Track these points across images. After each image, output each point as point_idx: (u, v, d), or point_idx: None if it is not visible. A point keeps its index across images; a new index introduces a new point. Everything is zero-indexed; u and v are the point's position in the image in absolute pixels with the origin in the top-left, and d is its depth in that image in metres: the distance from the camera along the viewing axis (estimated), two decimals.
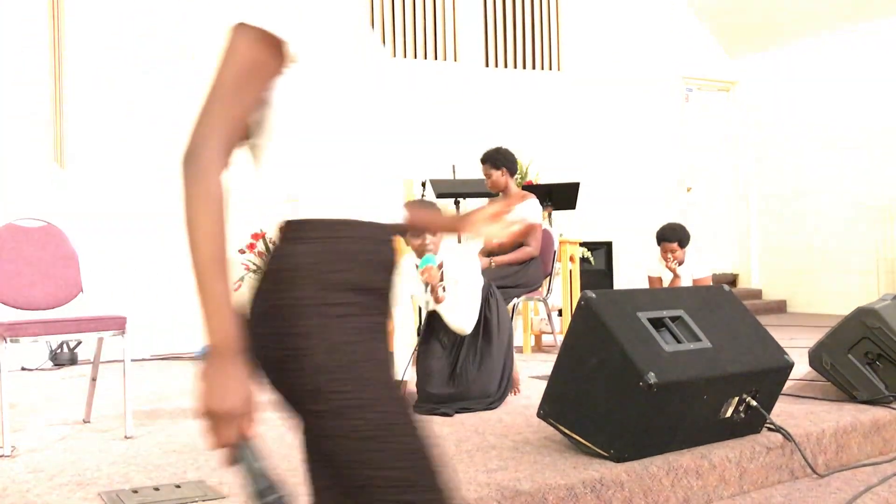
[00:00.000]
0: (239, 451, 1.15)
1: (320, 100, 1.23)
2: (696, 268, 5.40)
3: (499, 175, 5.12)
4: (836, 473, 3.01)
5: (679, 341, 2.81)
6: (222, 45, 1.21)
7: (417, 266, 3.67)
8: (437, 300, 3.68)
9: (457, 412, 3.55)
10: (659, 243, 5.35)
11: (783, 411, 3.33)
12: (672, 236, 5.26)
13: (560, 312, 6.15)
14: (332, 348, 1.19)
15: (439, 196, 6.46)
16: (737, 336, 2.97)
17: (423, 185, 6.49)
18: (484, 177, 5.19)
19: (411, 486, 1.20)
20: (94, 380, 3.52)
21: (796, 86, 9.02)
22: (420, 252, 3.71)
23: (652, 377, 2.55)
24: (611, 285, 7.63)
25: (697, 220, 8.86)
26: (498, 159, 5.11)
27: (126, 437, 3.18)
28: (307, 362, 1.18)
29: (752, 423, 2.96)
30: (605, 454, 2.66)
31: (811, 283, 8.87)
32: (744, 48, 9.51)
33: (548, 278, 5.41)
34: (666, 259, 5.29)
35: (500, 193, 5.25)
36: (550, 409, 2.87)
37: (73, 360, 5.69)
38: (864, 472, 3.03)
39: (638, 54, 8.87)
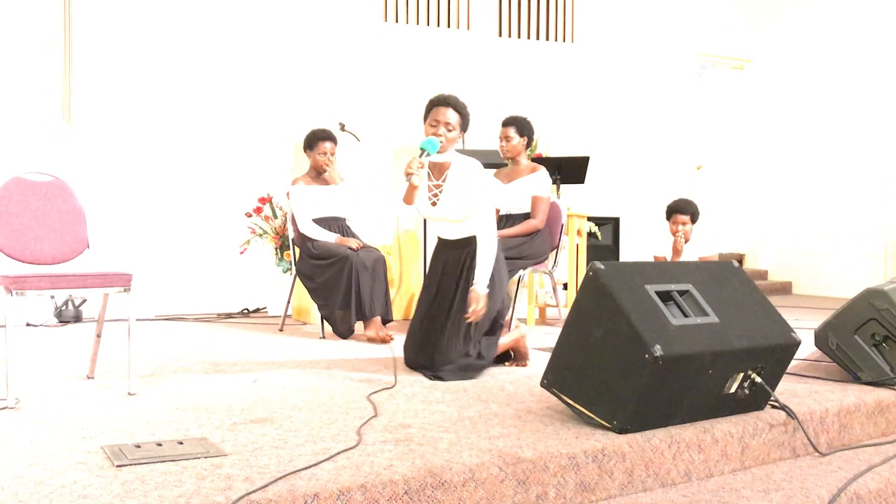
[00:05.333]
0: None
1: None
2: (702, 246, 5.37)
3: (520, 142, 5.07)
4: (838, 453, 3.01)
5: (686, 315, 2.79)
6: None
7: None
8: (406, 175, 3.48)
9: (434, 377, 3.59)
10: (670, 215, 5.31)
11: (787, 390, 3.32)
12: (686, 209, 5.24)
13: (565, 286, 6.14)
14: None
15: None
16: (744, 312, 2.95)
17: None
18: (501, 139, 5.09)
19: None
20: (98, 336, 3.53)
21: (811, 66, 8.93)
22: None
23: (658, 350, 2.54)
24: (616, 261, 7.62)
25: (706, 198, 8.82)
26: (525, 126, 5.07)
27: (129, 393, 3.18)
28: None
29: (756, 399, 2.96)
30: (608, 425, 2.66)
31: (818, 265, 8.85)
32: (759, 26, 9.40)
33: (554, 251, 5.39)
34: (675, 233, 5.25)
35: (510, 162, 5.22)
36: (554, 378, 2.87)
37: (77, 318, 5.71)
38: (866, 452, 3.03)
39: (652, 29, 8.77)
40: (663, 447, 2.61)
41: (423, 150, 3.51)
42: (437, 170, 3.72)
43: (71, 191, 3.53)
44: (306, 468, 2.18)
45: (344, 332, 4.86)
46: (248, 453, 2.34)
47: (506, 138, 5.08)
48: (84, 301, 5.76)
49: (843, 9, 8.62)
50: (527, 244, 5.06)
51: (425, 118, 3.66)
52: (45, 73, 6.07)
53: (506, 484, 2.28)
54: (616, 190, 8.26)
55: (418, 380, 3.56)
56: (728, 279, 3.09)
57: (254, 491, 1.99)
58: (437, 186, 3.69)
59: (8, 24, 5.95)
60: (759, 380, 2.86)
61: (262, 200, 6.28)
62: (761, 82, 9.47)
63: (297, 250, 5.21)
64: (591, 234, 6.41)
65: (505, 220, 5.22)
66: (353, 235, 5.15)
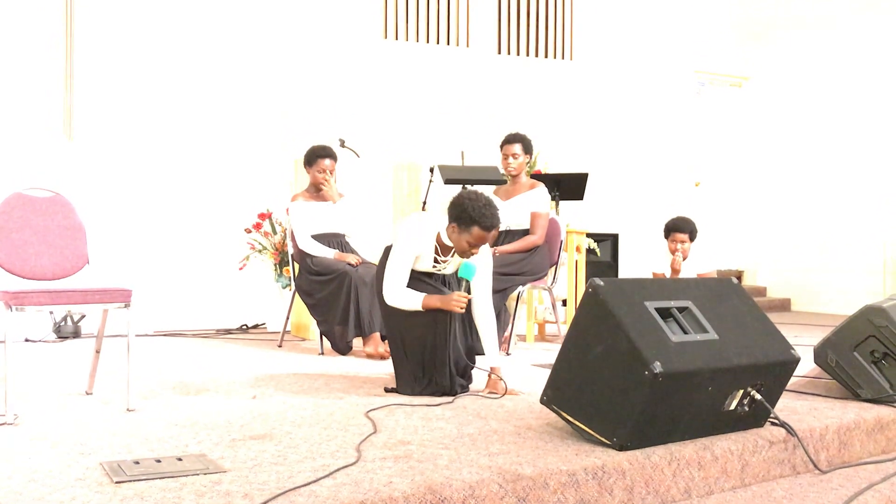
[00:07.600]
0: None
1: None
2: (700, 263, 5.37)
3: (525, 159, 5.16)
4: (838, 470, 3.00)
5: (686, 332, 2.79)
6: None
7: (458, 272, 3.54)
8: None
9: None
10: (668, 234, 5.31)
11: (786, 407, 3.32)
12: (684, 227, 5.24)
13: (564, 302, 6.14)
14: None
15: (447, 182, 6.43)
16: (744, 329, 2.95)
17: (431, 170, 6.46)
18: (505, 156, 5.14)
19: None
20: (97, 352, 3.52)
21: (808, 83, 8.98)
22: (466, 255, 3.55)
23: (658, 366, 2.54)
24: (616, 277, 7.62)
25: (705, 215, 8.84)
26: (528, 144, 5.16)
27: (128, 409, 3.18)
28: None
29: (756, 416, 2.96)
30: (608, 442, 2.65)
31: (817, 281, 8.86)
32: (757, 44, 9.46)
33: (553, 267, 5.40)
34: (673, 251, 5.25)
35: (509, 179, 5.25)
36: (554, 395, 2.86)
37: (76, 334, 5.70)
38: (866, 469, 3.02)
39: (650, 46, 8.83)
40: (663, 464, 2.60)
41: (464, 279, 3.50)
42: (445, 250, 3.68)
43: (71, 206, 3.53)
44: (305, 485, 2.17)
45: (343, 348, 4.86)
46: (247, 470, 2.33)
47: (512, 156, 5.12)
48: (83, 317, 5.75)
49: (839, 26, 8.67)
50: (526, 260, 5.07)
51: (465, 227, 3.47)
52: (46, 89, 6.10)
53: (505, 501, 2.27)
54: (615, 206, 8.28)
55: (417, 397, 3.55)
56: (727, 296, 3.09)
57: None
58: (444, 261, 3.70)
59: (9, 41, 5.98)
60: (758, 397, 2.86)
61: (262, 216, 6.29)
62: (759, 99, 9.51)
63: (297, 266, 5.22)
64: (589, 251, 6.42)
65: (504, 236, 5.23)
66: (353, 251, 5.16)
